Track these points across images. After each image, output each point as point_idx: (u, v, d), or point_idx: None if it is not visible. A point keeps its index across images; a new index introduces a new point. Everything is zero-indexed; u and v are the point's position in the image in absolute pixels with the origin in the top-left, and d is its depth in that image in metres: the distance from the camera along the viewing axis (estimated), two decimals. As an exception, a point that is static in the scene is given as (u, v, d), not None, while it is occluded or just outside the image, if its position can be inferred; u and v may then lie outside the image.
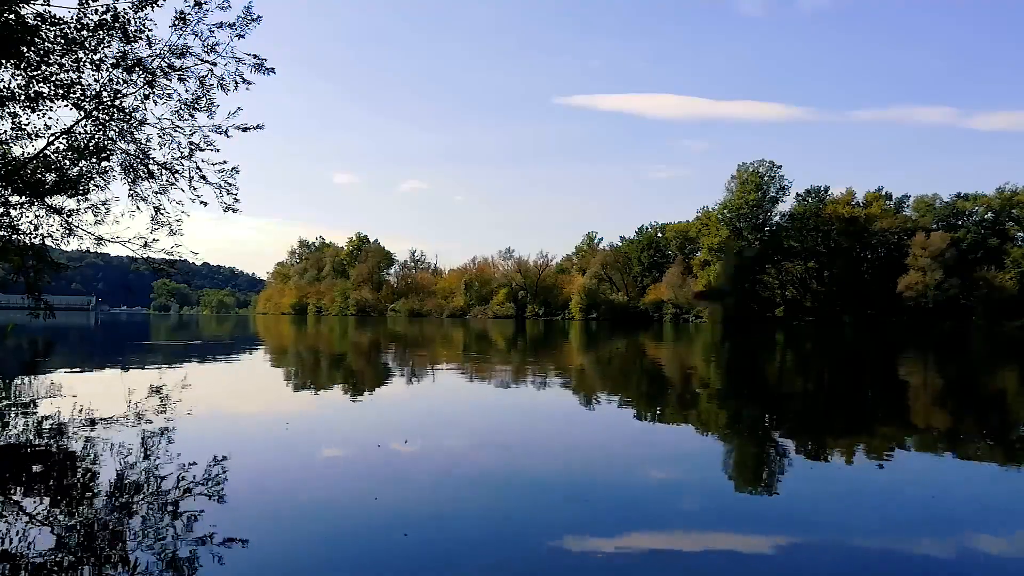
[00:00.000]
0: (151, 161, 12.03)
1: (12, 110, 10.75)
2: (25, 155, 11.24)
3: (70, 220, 12.04)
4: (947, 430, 8.81)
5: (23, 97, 10.56)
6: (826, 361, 21.91)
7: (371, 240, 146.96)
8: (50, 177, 11.31)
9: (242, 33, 11.21)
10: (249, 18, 11.18)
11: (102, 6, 10.35)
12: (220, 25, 11.12)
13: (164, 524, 4.35)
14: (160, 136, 11.86)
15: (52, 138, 11.21)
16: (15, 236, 11.70)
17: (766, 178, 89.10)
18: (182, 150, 11.93)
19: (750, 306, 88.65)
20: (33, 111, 10.81)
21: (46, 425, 7.71)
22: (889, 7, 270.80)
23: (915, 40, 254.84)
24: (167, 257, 12.72)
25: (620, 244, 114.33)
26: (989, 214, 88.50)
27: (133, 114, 11.61)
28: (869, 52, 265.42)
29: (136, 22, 10.61)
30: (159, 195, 12.20)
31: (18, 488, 5.15)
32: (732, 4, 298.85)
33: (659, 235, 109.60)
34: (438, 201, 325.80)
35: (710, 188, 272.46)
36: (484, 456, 6.79)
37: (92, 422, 7.85)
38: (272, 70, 11.75)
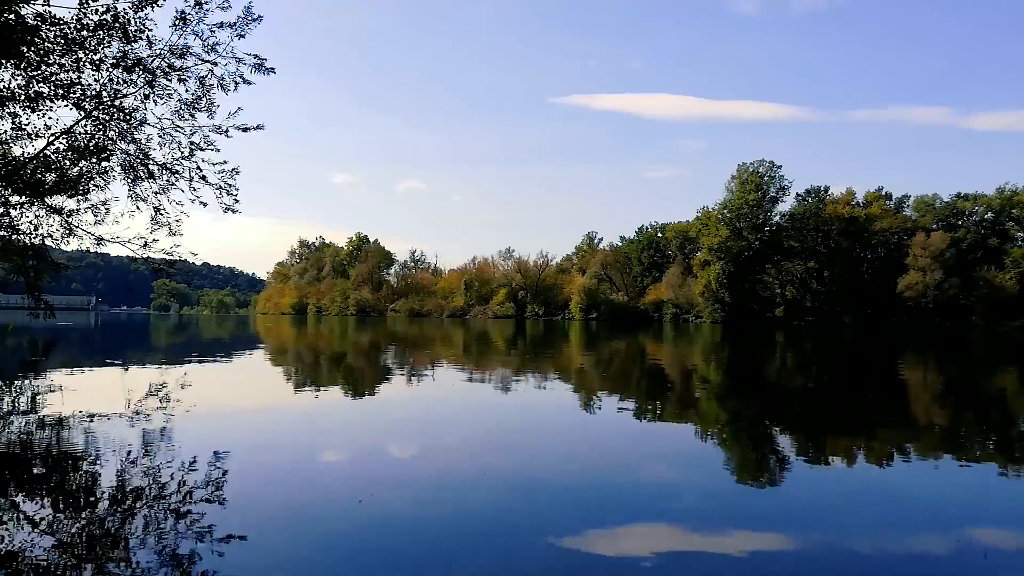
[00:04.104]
0: (151, 161, 12.04)
1: (12, 110, 10.75)
2: (25, 155, 11.25)
3: (70, 220, 12.05)
4: (947, 430, 8.81)
5: (23, 97, 10.56)
6: (826, 361, 21.91)
7: (371, 240, 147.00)
8: (50, 177, 11.31)
9: (242, 33, 11.22)
10: (249, 18, 11.19)
11: (102, 6, 10.36)
12: (220, 25, 11.13)
13: (165, 524, 4.35)
14: (160, 136, 11.86)
15: (52, 138, 11.22)
16: (15, 236, 11.70)
17: (766, 178, 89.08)
18: (182, 150, 11.94)
19: (750, 306, 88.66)
20: (33, 111, 10.81)
21: (47, 425, 7.70)
22: (883, 7, 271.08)
23: (911, 40, 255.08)
24: (167, 257, 12.73)
25: (620, 244, 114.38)
26: (989, 214, 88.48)
27: (133, 114, 11.61)
28: (866, 52, 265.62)
29: (136, 22, 10.62)
30: (159, 195, 12.20)
31: (19, 489, 5.15)
32: (728, 3, 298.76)
33: (659, 235, 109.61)
34: (437, 201, 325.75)
35: (710, 188, 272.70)
36: (484, 456, 6.79)
37: (92, 422, 7.85)
38: (272, 70, 11.77)
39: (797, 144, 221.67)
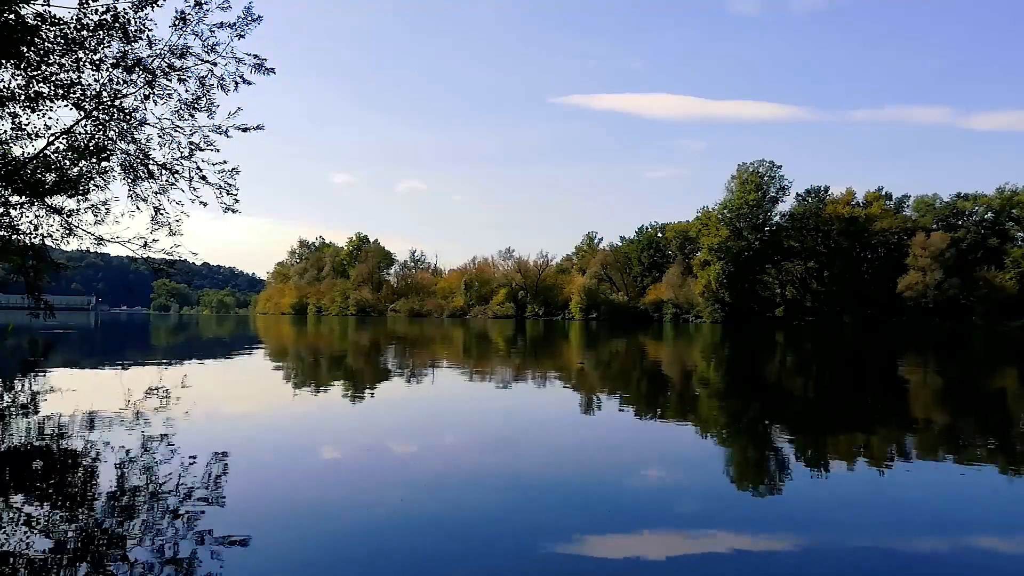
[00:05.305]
0: (151, 161, 12.06)
1: (12, 110, 10.77)
2: (25, 155, 11.26)
3: (70, 220, 12.06)
4: (947, 431, 8.80)
5: (23, 97, 10.57)
6: (826, 361, 21.91)
7: (371, 240, 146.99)
8: (50, 177, 11.32)
9: (242, 33, 11.24)
10: (249, 18, 11.21)
11: (102, 6, 10.37)
12: (220, 25, 11.15)
13: (164, 524, 4.35)
14: (160, 136, 11.89)
15: (52, 138, 11.23)
16: (15, 236, 11.71)
17: (766, 178, 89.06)
18: (182, 150, 11.96)
19: (750, 306, 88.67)
20: (33, 111, 10.82)
21: (46, 425, 7.70)
22: (883, 7, 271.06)
23: (911, 40, 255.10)
24: (167, 257, 12.75)
25: (620, 244, 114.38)
26: (989, 214, 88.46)
27: (133, 114, 11.63)
28: (866, 52, 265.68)
29: (136, 22, 10.64)
30: (159, 195, 12.23)
31: (18, 489, 5.15)
32: (728, 3, 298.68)
33: (659, 235, 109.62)
34: (437, 201, 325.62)
35: (710, 188, 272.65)
36: (484, 457, 6.79)
37: (92, 422, 7.85)
38: (272, 70, 11.79)
39: (797, 144, 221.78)
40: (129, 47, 10.86)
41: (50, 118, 11.05)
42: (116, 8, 10.43)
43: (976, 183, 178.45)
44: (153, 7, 10.65)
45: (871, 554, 4.11)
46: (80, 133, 11.48)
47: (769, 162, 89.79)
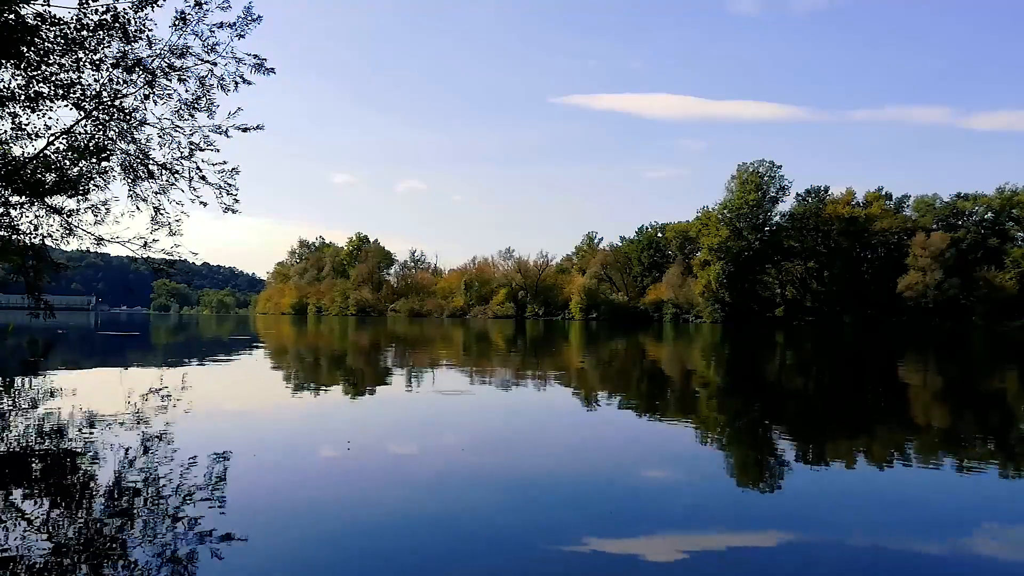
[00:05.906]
0: (151, 161, 12.06)
1: (12, 110, 10.77)
2: (25, 155, 11.26)
3: (70, 220, 12.07)
4: (947, 430, 8.81)
5: (23, 97, 10.58)
6: (826, 361, 21.90)
7: (371, 240, 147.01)
8: (50, 177, 11.32)
9: (242, 33, 11.24)
10: (249, 18, 11.21)
11: (102, 6, 10.37)
12: (220, 25, 11.16)
13: (164, 524, 4.35)
14: (160, 136, 11.89)
15: (52, 138, 11.23)
16: (15, 236, 11.71)
17: (766, 178, 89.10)
18: (182, 150, 11.96)
19: (750, 306, 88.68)
20: (33, 111, 10.83)
21: (46, 425, 7.70)
22: (883, 7, 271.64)
23: (911, 40, 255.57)
24: (167, 257, 12.75)
25: (620, 244, 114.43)
26: (989, 214, 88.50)
27: (133, 114, 11.63)
28: (866, 52, 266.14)
29: (136, 22, 10.64)
30: (159, 195, 12.24)
31: (18, 489, 5.14)
32: (728, 3, 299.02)
33: (659, 235, 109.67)
34: (437, 201, 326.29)
35: (710, 188, 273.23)
36: (484, 457, 6.79)
37: (92, 422, 7.85)
38: (272, 70, 11.79)
39: (797, 144, 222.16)
40: (129, 47, 10.86)
41: (50, 118, 11.06)
42: (116, 8, 10.44)
43: (976, 183, 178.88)
44: (153, 7, 10.65)
45: (870, 554, 4.11)
46: (80, 133, 11.48)
47: (769, 162, 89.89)
